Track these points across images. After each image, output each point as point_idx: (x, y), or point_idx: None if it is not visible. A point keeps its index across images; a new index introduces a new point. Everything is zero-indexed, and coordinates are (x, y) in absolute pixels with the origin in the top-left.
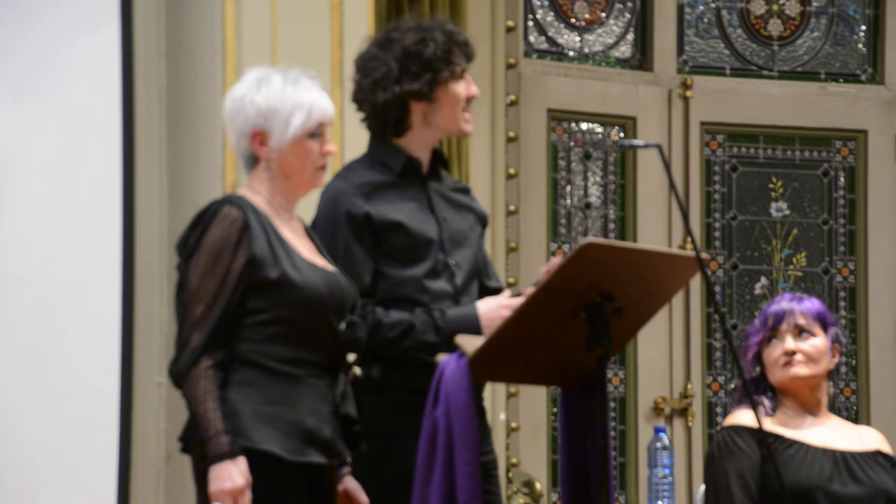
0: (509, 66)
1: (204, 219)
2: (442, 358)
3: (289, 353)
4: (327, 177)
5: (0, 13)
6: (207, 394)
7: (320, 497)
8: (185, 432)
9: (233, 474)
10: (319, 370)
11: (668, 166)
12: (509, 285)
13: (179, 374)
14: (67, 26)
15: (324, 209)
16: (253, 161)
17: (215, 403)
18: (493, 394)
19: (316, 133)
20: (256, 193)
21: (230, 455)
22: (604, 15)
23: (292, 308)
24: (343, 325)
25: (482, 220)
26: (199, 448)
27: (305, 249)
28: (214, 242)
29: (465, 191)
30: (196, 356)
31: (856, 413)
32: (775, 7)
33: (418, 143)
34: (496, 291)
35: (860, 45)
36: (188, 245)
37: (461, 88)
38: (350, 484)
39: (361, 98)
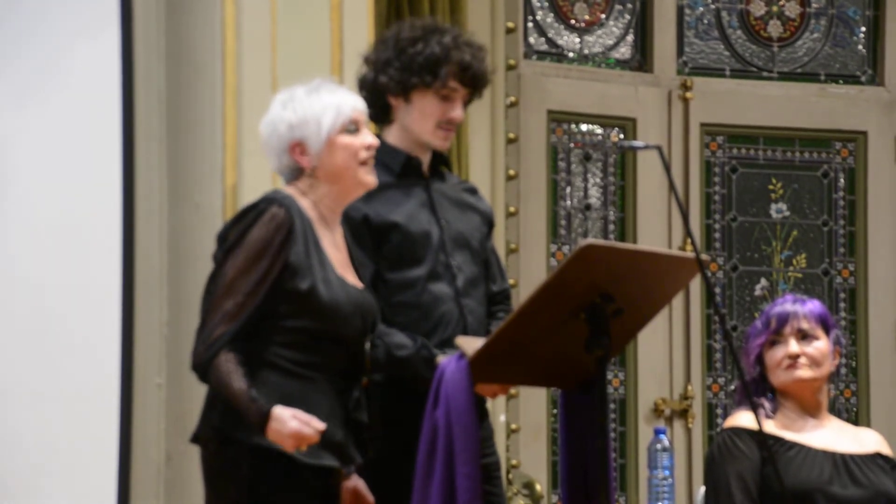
0: (509, 68)
1: (250, 215)
2: (442, 359)
3: (306, 359)
4: None
5: (3, 18)
6: (231, 373)
7: (328, 500)
8: (199, 427)
9: (281, 430)
10: (335, 376)
11: (667, 168)
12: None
13: (202, 366)
14: (68, 29)
15: None
16: (296, 174)
17: (241, 379)
18: None
19: (351, 129)
20: (303, 196)
21: (265, 418)
22: (603, 16)
23: (314, 322)
24: (367, 346)
25: (488, 221)
26: (210, 445)
27: (340, 263)
28: (257, 242)
29: (473, 191)
30: (217, 349)
31: (856, 414)
32: (775, 8)
33: (407, 142)
34: (499, 295)
35: (860, 47)
36: (229, 238)
37: (437, 105)
38: (358, 483)
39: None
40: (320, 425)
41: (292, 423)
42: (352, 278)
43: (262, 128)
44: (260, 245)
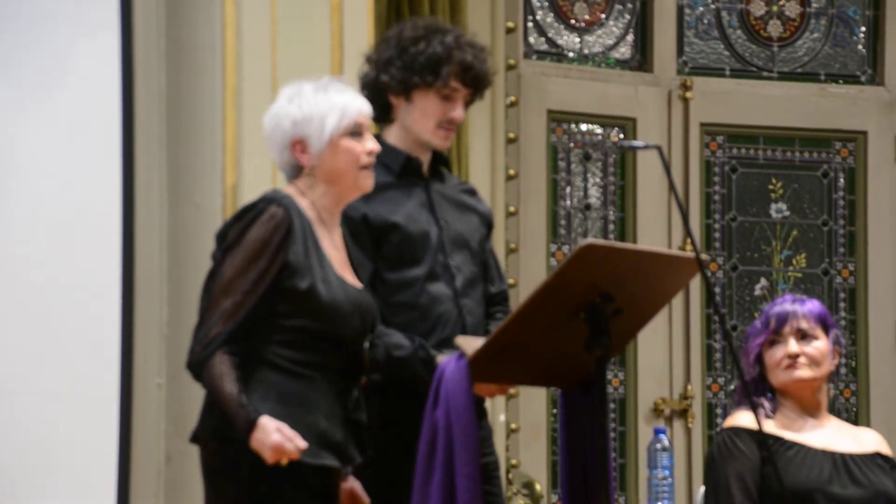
0: (509, 68)
1: (249, 214)
2: (442, 359)
3: (306, 358)
4: None
5: (4, 18)
6: (224, 376)
7: (326, 499)
8: (198, 426)
9: (264, 440)
10: (335, 376)
11: (667, 167)
12: (509, 286)
13: (197, 365)
14: (68, 29)
15: None
16: (297, 171)
17: (233, 383)
18: None
19: (355, 132)
20: (302, 195)
21: (251, 426)
22: (603, 16)
23: (313, 321)
24: (366, 345)
25: (487, 222)
26: (210, 444)
27: (339, 263)
28: (256, 241)
29: (472, 192)
30: (213, 349)
31: (855, 414)
32: (775, 8)
33: (407, 142)
34: (498, 296)
35: (860, 47)
36: (228, 237)
37: (438, 104)
38: (354, 484)
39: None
40: (302, 444)
41: (275, 435)
42: (351, 278)
43: (266, 120)
44: (258, 244)
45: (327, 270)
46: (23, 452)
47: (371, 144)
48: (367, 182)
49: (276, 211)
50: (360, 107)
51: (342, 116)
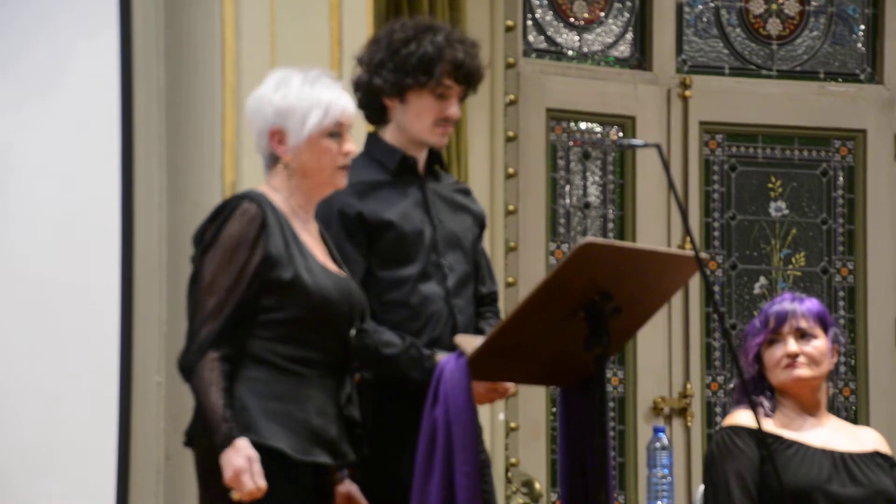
0: (508, 66)
1: (222, 213)
2: (441, 357)
3: (297, 353)
4: None
5: (4, 18)
6: (211, 385)
7: (321, 498)
8: (190, 427)
9: (231, 460)
10: (327, 371)
11: (667, 166)
12: (508, 285)
13: (187, 367)
14: (68, 28)
15: (318, 208)
16: (273, 160)
17: (219, 394)
18: None
19: (335, 132)
20: (276, 191)
21: (228, 442)
22: (603, 14)
23: (302, 310)
24: (353, 332)
25: (480, 222)
26: (202, 443)
27: (320, 253)
28: (231, 238)
29: (466, 192)
30: (204, 349)
31: (855, 413)
32: (774, 6)
33: (403, 140)
34: (488, 297)
35: (859, 45)
36: (205, 238)
37: (433, 103)
38: (350, 486)
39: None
40: (262, 484)
41: (241, 461)
42: (334, 267)
43: (250, 102)
44: (234, 240)
45: (309, 259)
46: (22, 451)
47: (349, 146)
48: (342, 181)
49: (249, 206)
50: (345, 106)
51: (324, 115)
